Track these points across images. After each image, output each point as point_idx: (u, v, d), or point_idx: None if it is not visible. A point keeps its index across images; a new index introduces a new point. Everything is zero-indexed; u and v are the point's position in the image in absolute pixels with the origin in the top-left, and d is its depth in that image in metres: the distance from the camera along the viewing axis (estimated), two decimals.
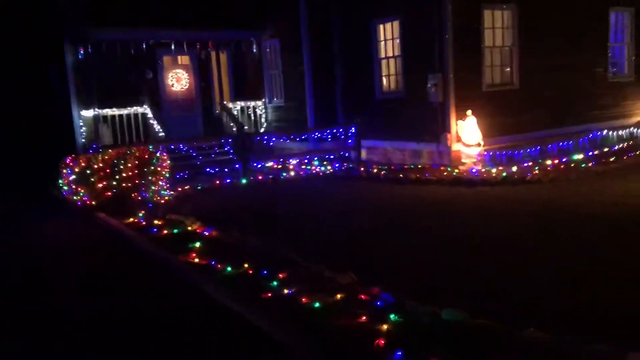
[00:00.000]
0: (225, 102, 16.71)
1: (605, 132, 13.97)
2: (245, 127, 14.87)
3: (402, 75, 13.38)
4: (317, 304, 4.98)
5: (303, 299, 5.11)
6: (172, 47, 15.92)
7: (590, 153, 12.84)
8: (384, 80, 14.03)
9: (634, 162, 11.65)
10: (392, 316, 4.50)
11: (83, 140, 14.99)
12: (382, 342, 4.11)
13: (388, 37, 13.69)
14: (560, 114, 13.77)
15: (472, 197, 9.53)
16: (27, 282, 6.72)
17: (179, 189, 11.27)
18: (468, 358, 3.82)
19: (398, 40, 13.34)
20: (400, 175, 11.77)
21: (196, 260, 6.69)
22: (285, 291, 5.36)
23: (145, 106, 15.27)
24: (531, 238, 6.87)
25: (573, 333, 3.96)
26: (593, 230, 6.95)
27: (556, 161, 12.15)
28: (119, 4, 15.11)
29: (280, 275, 5.74)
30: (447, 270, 5.89)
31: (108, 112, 14.79)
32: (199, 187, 11.69)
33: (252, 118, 17.13)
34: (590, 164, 11.54)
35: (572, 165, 11.70)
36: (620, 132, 14.22)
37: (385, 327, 4.36)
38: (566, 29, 13.65)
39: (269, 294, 5.35)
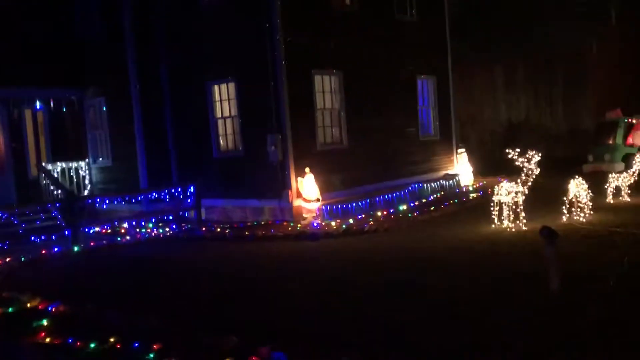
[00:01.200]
0: (43, 164, 15.31)
1: (421, 184, 15.59)
2: (71, 190, 13.74)
3: (240, 134, 13.62)
4: None
5: None
6: None
7: (413, 204, 14.20)
8: (221, 139, 14.14)
9: (451, 210, 13.16)
10: None
11: None
12: None
13: (224, 98, 13.91)
14: (383, 169, 15.09)
15: (321, 250, 9.92)
16: None
17: (0, 262, 9.96)
18: None
19: (234, 101, 13.63)
20: (246, 233, 11.82)
21: (47, 340, 5.96)
22: None
23: None
24: (386, 280, 7.33)
25: None
26: (433, 270, 7.66)
27: (385, 212, 13.21)
28: None
29: (154, 347, 5.38)
30: (328, 323, 6.01)
31: None
32: (23, 259, 10.45)
33: (75, 180, 15.91)
34: (415, 214, 12.77)
35: (400, 215, 12.83)
36: (432, 184, 15.98)
37: None
38: (384, 94, 15.20)
39: None
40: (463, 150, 18.05)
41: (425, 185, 15.74)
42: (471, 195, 15.22)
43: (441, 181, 16.53)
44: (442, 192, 15.96)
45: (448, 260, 8.33)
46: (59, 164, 15.68)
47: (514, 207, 10.30)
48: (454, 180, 16.85)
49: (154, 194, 13.72)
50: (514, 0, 23.88)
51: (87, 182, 16.18)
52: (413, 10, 16.28)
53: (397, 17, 15.84)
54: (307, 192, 12.66)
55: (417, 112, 16.58)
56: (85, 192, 15.88)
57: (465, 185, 17.09)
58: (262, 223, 12.93)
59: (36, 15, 15.42)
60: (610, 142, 18.94)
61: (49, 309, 7.04)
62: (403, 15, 16.04)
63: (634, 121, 19.05)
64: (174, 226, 13.36)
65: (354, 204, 13.54)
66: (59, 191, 14.13)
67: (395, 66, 15.66)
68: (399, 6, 15.89)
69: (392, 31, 15.67)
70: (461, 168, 17.73)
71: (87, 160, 16.23)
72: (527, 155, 10.25)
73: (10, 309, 7.16)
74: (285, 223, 12.59)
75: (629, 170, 12.79)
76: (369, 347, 5.12)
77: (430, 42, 17.07)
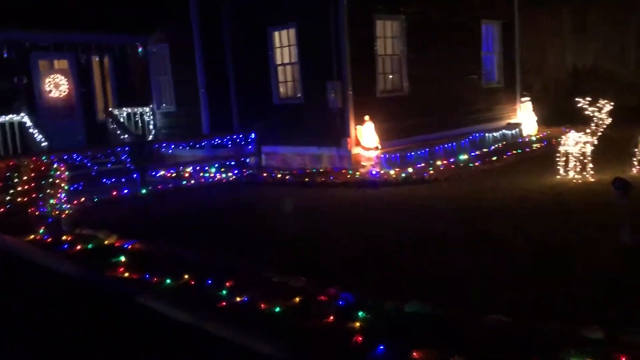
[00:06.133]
0: (110, 109, 15.86)
1: (482, 134, 15.28)
2: (139, 135, 14.26)
3: (300, 81, 13.63)
4: (277, 309, 5.00)
5: (261, 305, 5.09)
6: (49, 50, 14.83)
7: (474, 153, 13.99)
8: (281, 86, 14.20)
9: (513, 160, 12.91)
10: (360, 313, 4.66)
11: None
12: (360, 339, 4.24)
13: (284, 44, 13.88)
14: (444, 118, 14.85)
15: (381, 197, 10.00)
16: None
17: (76, 202, 10.54)
18: (444, 347, 4.06)
19: (295, 48, 13.58)
20: (306, 179, 12.00)
21: (126, 274, 6.36)
22: (239, 299, 5.30)
23: (22, 114, 14.02)
24: (456, 229, 7.37)
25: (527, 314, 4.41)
26: (503, 220, 7.63)
27: (445, 162, 13.09)
28: None
29: (227, 284, 5.66)
30: (387, 267, 6.15)
31: None
32: (96, 199, 11.02)
33: (140, 125, 16.43)
34: (476, 163, 12.60)
35: (461, 165, 12.69)
36: (494, 134, 15.64)
37: (357, 324, 4.50)
38: (446, 40, 14.77)
39: (223, 303, 5.26)
40: (527, 98, 17.48)
41: (487, 134, 15.42)
42: (534, 145, 14.83)
43: (503, 131, 16.14)
44: (505, 142, 15.61)
45: (512, 209, 8.26)
46: (124, 109, 16.20)
47: (581, 157, 10.00)
48: (517, 129, 16.42)
49: (216, 139, 14.05)
50: None
51: (151, 127, 16.68)
52: None
53: None
54: (366, 140, 12.65)
55: (480, 58, 16.08)
56: (150, 137, 16.40)
57: (528, 135, 16.65)
58: (321, 170, 13.07)
59: None
60: None
61: (125, 246, 7.48)
62: None
63: None
64: (236, 171, 13.69)
65: (413, 153, 13.45)
66: (126, 135, 14.69)
67: (459, 11, 15.13)
68: None
69: None
70: (525, 117, 17.22)
71: (151, 105, 16.68)
72: (598, 104, 9.86)
73: (90, 245, 7.65)
74: (344, 171, 12.69)
75: None
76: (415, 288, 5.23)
77: None
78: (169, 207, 10.48)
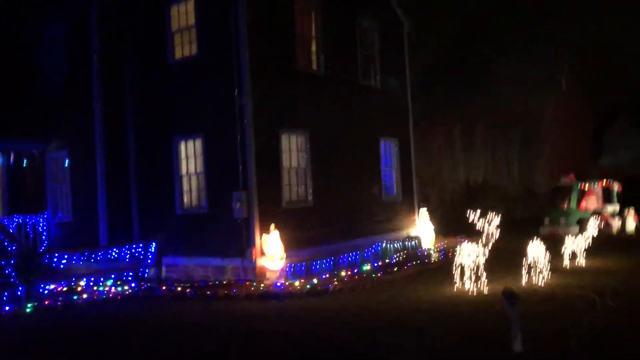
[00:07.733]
0: None
1: (384, 244, 15.71)
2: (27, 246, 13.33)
3: (205, 191, 13.60)
4: None
5: None
6: None
7: (376, 264, 14.27)
8: (185, 196, 14.07)
9: (413, 271, 13.26)
10: None
11: None
12: None
13: (190, 155, 13.94)
14: (347, 229, 15.21)
15: (284, 310, 9.81)
16: None
17: None
18: None
19: (201, 158, 13.67)
20: (208, 292, 11.61)
21: None
22: None
23: None
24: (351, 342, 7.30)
25: None
26: (403, 332, 7.68)
27: (349, 272, 13.22)
28: None
29: None
30: None
31: None
32: None
33: (31, 235, 15.43)
34: (379, 274, 12.82)
35: (364, 275, 12.86)
36: (395, 245, 16.11)
37: None
38: (348, 155, 15.52)
39: None
40: (424, 209, 18.34)
41: (388, 245, 15.84)
42: (433, 256, 15.40)
43: (404, 242, 16.68)
44: (405, 252, 16.08)
45: (412, 321, 8.37)
46: (15, 218, 15.24)
47: (475, 269, 10.47)
48: (416, 240, 17.04)
49: (113, 251, 13.40)
50: (472, 65, 25.08)
51: (44, 237, 15.72)
52: (377, 77, 16.90)
53: (361, 83, 16.40)
54: (271, 250, 12.56)
55: (379, 173, 16.92)
56: (42, 248, 15.38)
57: (427, 248, 17.25)
58: (225, 282, 12.73)
59: None
60: (565, 206, 19.60)
61: None
62: (367, 80, 16.63)
63: (587, 186, 19.83)
64: (134, 285, 13.01)
65: (317, 263, 13.51)
66: (14, 247, 13.68)
67: (359, 128, 16.07)
68: (363, 72, 16.49)
69: (357, 95, 16.16)
70: (423, 227, 17.94)
71: (45, 214, 15.82)
72: (488, 218, 10.55)
73: None
74: (248, 282, 12.44)
75: (583, 234, 13.22)
76: None
77: (393, 106, 17.64)
78: (54, 325, 9.67)
